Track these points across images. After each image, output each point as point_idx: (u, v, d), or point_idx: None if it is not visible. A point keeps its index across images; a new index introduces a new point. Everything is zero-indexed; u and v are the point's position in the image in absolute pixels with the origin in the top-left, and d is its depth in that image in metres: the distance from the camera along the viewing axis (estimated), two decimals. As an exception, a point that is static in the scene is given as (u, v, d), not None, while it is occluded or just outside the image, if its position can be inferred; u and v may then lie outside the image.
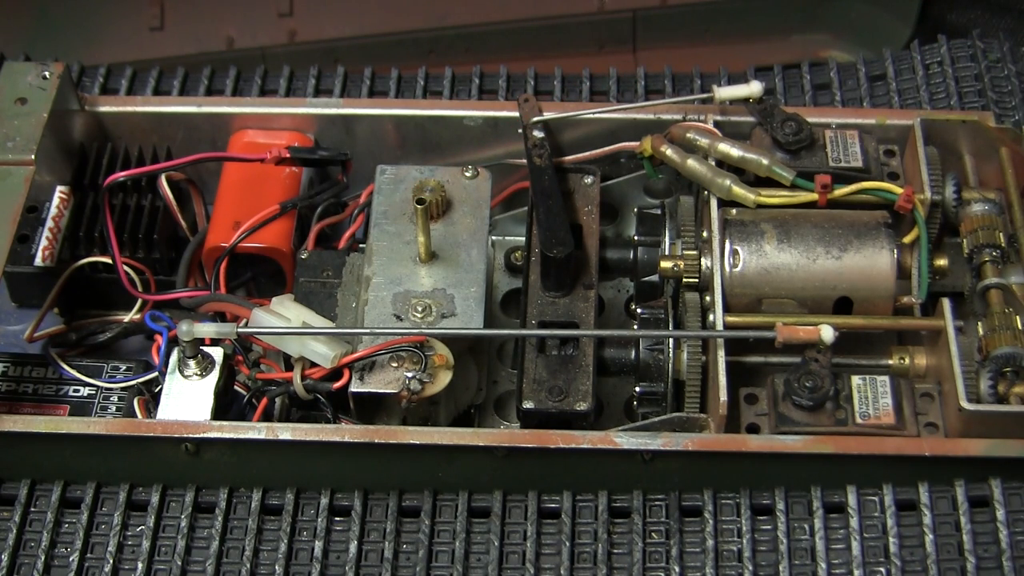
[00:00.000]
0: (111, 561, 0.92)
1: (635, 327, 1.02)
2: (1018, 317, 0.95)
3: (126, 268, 1.06)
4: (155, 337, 1.00)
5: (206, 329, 0.95)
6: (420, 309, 0.98)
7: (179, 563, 0.92)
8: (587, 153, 1.09)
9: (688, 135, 1.05)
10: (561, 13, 1.73)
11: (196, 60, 1.53)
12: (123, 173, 1.06)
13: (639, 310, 1.02)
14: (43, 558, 0.92)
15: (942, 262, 1.01)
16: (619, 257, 1.08)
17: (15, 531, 0.93)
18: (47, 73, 1.08)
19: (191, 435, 0.93)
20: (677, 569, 0.91)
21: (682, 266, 1.00)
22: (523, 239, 1.10)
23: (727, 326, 0.95)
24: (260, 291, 1.10)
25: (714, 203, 1.00)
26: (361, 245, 1.06)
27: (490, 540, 0.93)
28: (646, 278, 1.07)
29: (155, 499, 0.95)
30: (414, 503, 0.94)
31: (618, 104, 1.15)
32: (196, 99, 1.17)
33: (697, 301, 0.99)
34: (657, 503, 0.94)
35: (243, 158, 1.09)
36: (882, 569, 0.89)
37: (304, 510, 0.94)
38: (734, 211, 1.01)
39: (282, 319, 0.97)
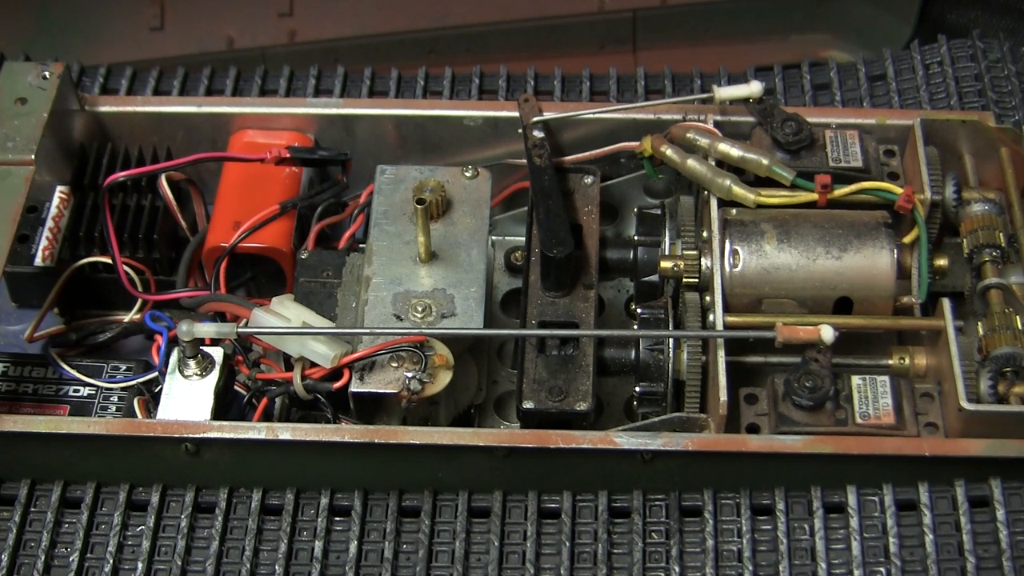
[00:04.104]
0: (111, 561, 0.92)
1: (635, 327, 1.02)
2: (1018, 317, 0.95)
3: (126, 268, 1.06)
4: (155, 337, 1.00)
5: (206, 329, 0.95)
6: (420, 309, 0.98)
7: (179, 563, 0.92)
8: (587, 153, 1.09)
9: (688, 135, 1.05)
10: (561, 13, 1.73)
11: (196, 60, 1.53)
12: (123, 173, 1.06)
13: (639, 310, 1.02)
14: (43, 558, 0.92)
15: (942, 262, 1.01)
16: (619, 257, 1.08)
17: (15, 531, 0.93)
18: (47, 73, 1.08)
19: (191, 435, 0.93)
20: (677, 569, 0.91)
21: (682, 266, 1.00)
22: (523, 239, 1.10)
23: (727, 326, 0.95)
24: (260, 291, 1.10)
25: (714, 203, 1.00)
26: (361, 245, 1.06)
27: (490, 540, 0.93)
28: (646, 278, 1.07)
29: (155, 499, 0.95)
30: (414, 503, 0.94)
31: (618, 104, 1.15)
32: (196, 99, 1.17)
33: (697, 301, 0.99)
34: (657, 503, 0.94)
35: (243, 158, 1.09)
36: (882, 569, 0.89)
37: (304, 510, 0.94)
38: (734, 211, 1.01)
39: (282, 319, 0.97)
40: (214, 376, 0.96)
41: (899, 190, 1.00)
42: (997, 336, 0.94)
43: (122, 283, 1.05)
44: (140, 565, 0.92)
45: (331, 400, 0.96)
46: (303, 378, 0.96)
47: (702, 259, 1.00)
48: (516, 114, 1.10)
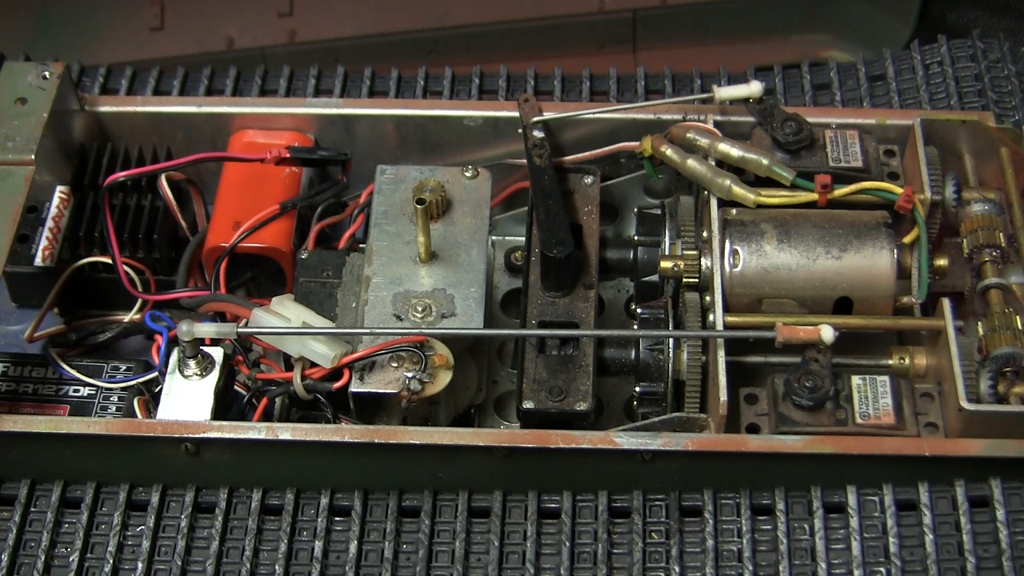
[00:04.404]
0: (111, 561, 0.92)
1: (635, 327, 1.02)
2: (1018, 317, 0.95)
3: (126, 268, 1.06)
4: (155, 337, 1.00)
5: (206, 329, 0.95)
6: (420, 309, 0.98)
7: (179, 563, 0.92)
8: (587, 153, 1.09)
9: (688, 135, 1.05)
10: (561, 13, 1.73)
11: (196, 60, 1.53)
12: (123, 173, 1.06)
13: (639, 310, 1.02)
14: (43, 558, 0.92)
15: (942, 262, 1.01)
16: (619, 257, 1.08)
17: (15, 531, 0.93)
18: (47, 73, 1.08)
19: (191, 435, 0.93)
20: (677, 569, 0.91)
21: (682, 266, 1.00)
22: (523, 239, 1.10)
23: (727, 326, 0.95)
24: (260, 291, 1.10)
25: (714, 203, 1.00)
26: (361, 245, 1.06)
27: (490, 540, 0.93)
28: (646, 278, 1.07)
29: (155, 499, 0.95)
30: (414, 503, 0.94)
31: (618, 104, 1.15)
32: (196, 99, 1.17)
33: (697, 301, 0.99)
34: (657, 503, 0.94)
35: (243, 158, 1.09)
36: (882, 569, 0.89)
37: (304, 510, 0.94)
38: (734, 211, 1.01)
39: (282, 319, 0.97)
40: (214, 376, 0.96)
41: (899, 190, 1.00)
42: (997, 336, 0.94)
43: (122, 283, 1.05)
44: (140, 565, 0.92)
45: (331, 400, 0.96)
46: (303, 378, 0.96)
47: (702, 259, 1.00)
48: (516, 114, 1.10)
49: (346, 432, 0.92)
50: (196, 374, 0.96)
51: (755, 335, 0.95)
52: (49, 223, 1.08)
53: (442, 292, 1.00)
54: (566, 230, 1.01)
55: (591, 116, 1.10)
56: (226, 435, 0.93)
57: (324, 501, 0.94)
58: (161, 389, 0.97)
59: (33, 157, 1.03)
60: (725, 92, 1.07)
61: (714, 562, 0.91)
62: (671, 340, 0.99)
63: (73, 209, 1.09)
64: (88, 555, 0.93)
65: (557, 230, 1.01)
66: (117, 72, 1.23)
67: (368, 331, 0.97)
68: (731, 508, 0.93)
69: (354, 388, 0.95)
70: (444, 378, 0.94)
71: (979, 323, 0.96)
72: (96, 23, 1.72)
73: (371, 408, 0.97)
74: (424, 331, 0.96)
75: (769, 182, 1.02)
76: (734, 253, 0.98)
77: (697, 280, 1.00)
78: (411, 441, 0.92)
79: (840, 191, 1.01)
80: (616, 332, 1.05)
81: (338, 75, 1.22)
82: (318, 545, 0.93)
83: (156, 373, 1.01)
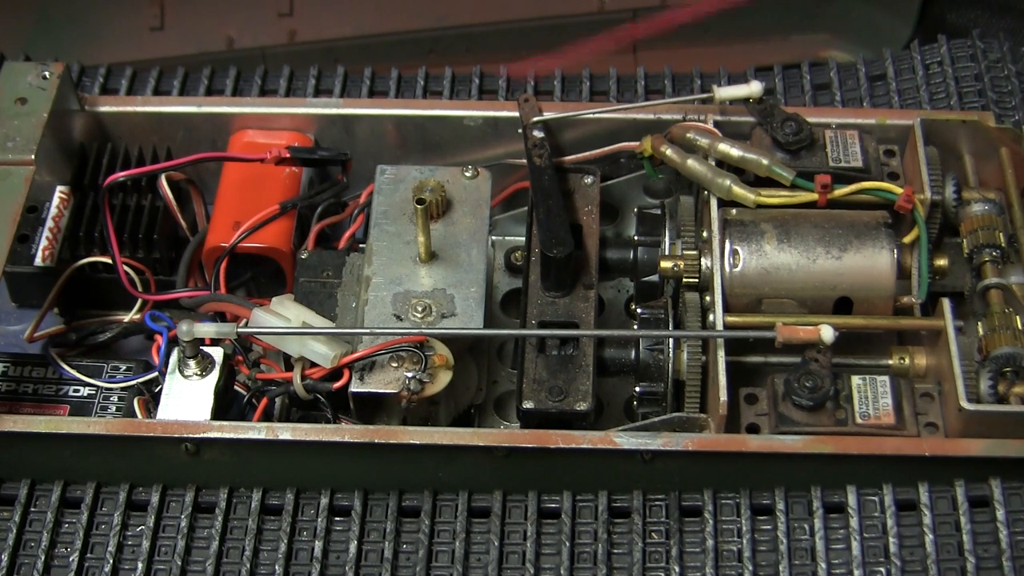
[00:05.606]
0: (111, 561, 0.92)
1: (635, 327, 1.02)
2: (1018, 317, 0.95)
3: (126, 268, 1.06)
4: (155, 337, 1.00)
5: (206, 329, 0.95)
6: (420, 309, 0.98)
7: (179, 563, 0.92)
8: (587, 153, 1.09)
9: (688, 135, 1.05)
10: (561, 13, 1.73)
11: (196, 60, 1.53)
12: (123, 173, 1.06)
13: (639, 310, 1.02)
14: (43, 558, 0.92)
15: (942, 262, 1.01)
16: (619, 257, 1.08)
17: (15, 531, 0.93)
18: (47, 73, 1.08)
19: (191, 435, 0.93)
20: (677, 569, 0.91)
21: (682, 266, 1.00)
22: (523, 239, 1.10)
23: (727, 326, 0.95)
24: (260, 291, 1.10)
25: (714, 203, 1.00)
26: (361, 245, 1.06)
27: (490, 540, 0.93)
28: (646, 278, 1.07)
29: (155, 499, 0.95)
30: (414, 503, 0.94)
31: (618, 104, 1.15)
32: (196, 99, 1.17)
33: (697, 301, 0.99)
34: (657, 503, 0.94)
35: (243, 158, 1.09)
36: (882, 569, 0.89)
37: (304, 510, 0.94)
38: (734, 211, 1.01)
39: (282, 319, 0.97)
40: (214, 376, 0.96)
41: (899, 190, 1.00)
42: (997, 336, 0.94)
43: (122, 283, 1.05)
44: (140, 565, 0.92)
45: (331, 400, 0.96)
46: (303, 378, 0.96)
47: (702, 259, 1.00)
48: (516, 114, 1.10)
49: (346, 432, 0.92)
50: (196, 374, 0.96)
51: (755, 335, 0.95)
52: (49, 223, 1.08)
53: (442, 292, 1.00)
54: (566, 230, 1.01)
55: (591, 116, 1.10)
56: (226, 435, 0.93)
57: (324, 501, 0.94)
58: (161, 389, 0.97)
59: (33, 157, 1.03)
60: (725, 92, 1.07)
61: (714, 562, 0.91)
62: (671, 340, 0.99)
63: (73, 209, 1.09)
64: (88, 555, 0.93)
65: (557, 230, 1.01)
66: (117, 72, 1.23)
67: (368, 331, 0.97)
68: (731, 508, 0.93)
69: (354, 388, 0.95)
70: (444, 378, 0.94)
71: (979, 323, 0.96)
72: (96, 23, 1.72)
73: (371, 408, 0.97)
74: (424, 331, 0.96)
75: (769, 182, 1.02)
76: (734, 253, 0.98)
77: (697, 280, 1.00)
78: (411, 441, 0.92)
79: (840, 191, 1.01)
80: (616, 332, 1.05)
81: (338, 75, 1.22)
82: (318, 545, 0.93)
83: (156, 373, 1.01)
